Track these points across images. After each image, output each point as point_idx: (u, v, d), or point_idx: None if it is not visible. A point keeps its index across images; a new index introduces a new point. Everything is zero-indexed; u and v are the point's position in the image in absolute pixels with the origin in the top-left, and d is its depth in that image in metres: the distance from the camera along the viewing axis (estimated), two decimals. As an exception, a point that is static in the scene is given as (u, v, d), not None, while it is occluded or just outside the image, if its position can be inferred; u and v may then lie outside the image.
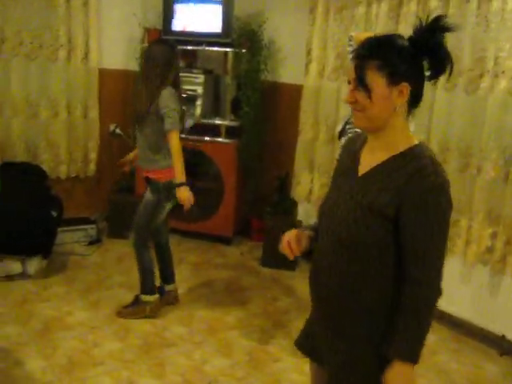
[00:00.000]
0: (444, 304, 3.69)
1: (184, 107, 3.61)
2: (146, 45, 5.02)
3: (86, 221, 5.03)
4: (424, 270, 1.62)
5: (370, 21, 4.17)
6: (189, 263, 4.67)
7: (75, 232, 4.88)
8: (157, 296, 3.76)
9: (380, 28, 4.03)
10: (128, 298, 3.93)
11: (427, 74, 1.64)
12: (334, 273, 1.73)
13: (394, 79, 1.59)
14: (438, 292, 1.64)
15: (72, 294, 3.99)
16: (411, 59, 1.60)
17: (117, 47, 5.14)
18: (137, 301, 3.74)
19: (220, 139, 4.93)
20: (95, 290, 4.07)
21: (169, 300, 3.90)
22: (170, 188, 3.48)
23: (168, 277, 3.91)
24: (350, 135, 2.90)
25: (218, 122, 4.98)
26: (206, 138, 4.93)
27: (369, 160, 1.72)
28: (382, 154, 1.68)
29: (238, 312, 3.91)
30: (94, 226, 4.98)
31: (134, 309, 3.72)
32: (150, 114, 3.40)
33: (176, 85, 3.47)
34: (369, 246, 1.65)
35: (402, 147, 1.66)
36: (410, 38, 1.62)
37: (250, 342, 3.53)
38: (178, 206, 3.61)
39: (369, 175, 1.70)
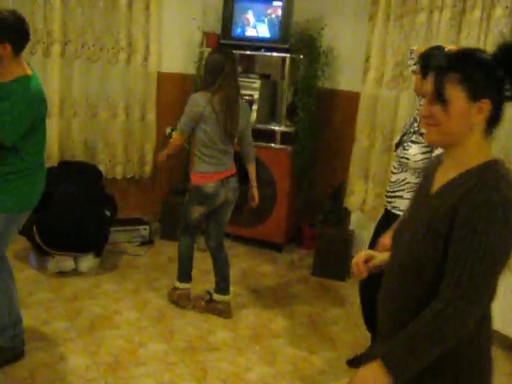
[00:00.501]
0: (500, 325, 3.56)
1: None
2: (204, 49, 5.07)
3: (139, 221, 5.09)
4: (455, 292, 1.43)
5: (430, 29, 4.04)
6: (238, 268, 4.64)
7: (128, 232, 4.95)
8: (186, 286, 3.87)
9: (441, 36, 3.91)
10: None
11: (508, 93, 1.51)
12: (396, 296, 1.63)
13: (474, 94, 1.48)
14: (464, 324, 1.44)
15: (121, 293, 4.03)
16: (494, 76, 1.49)
17: (176, 51, 5.19)
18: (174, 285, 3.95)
19: (275, 145, 4.90)
20: (144, 290, 4.11)
21: (216, 309, 3.84)
22: (195, 192, 3.62)
23: (220, 287, 3.85)
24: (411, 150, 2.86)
25: (273, 127, 4.95)
26: (261, 144, 4.90)
27: (440, 179, 1.61)
28: (453, 172, 1.57)
29: (284, 320, 3.85)
30: (146, 226, 5.03)
31: (170, 291, 3.98)
32: None
33: (226, 93, 3.48)
34: (427, 268, 1.52)
35: (474, 164, 1.53)
36: (494, 54, 1.51)
37: (295, 351, 3.47)
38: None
39: (435, 194, 1.60)
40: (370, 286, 3.14)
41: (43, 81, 4.82)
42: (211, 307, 3.85)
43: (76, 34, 4.84)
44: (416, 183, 2.82)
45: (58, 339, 3.33)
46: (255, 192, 3.85)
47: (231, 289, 3.89)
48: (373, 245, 3.13)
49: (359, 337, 3.66)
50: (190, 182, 3.69)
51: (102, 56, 5.01)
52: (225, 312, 3.83)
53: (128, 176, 5.34)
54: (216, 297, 3.85)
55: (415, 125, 2.93)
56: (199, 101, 3.48)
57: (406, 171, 2.91)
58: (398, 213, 2.91)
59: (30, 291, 3.87)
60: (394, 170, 2.99)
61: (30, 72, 2.74)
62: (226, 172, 3.62)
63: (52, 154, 4.91)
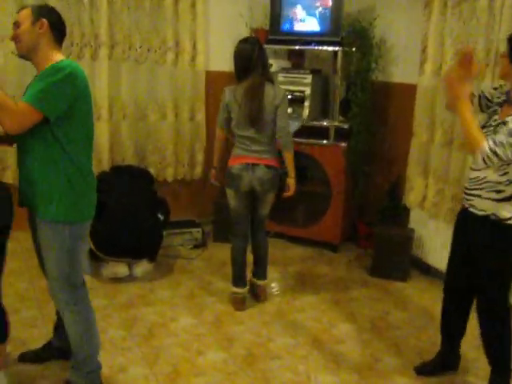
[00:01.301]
0: None
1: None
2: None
3: (191, 224, 5.02)
4: None
5: (493, 14, 3.80)
6: (294, 270, 4.52)
7: (180, 235, 4.88)
8: (240, 290, 3.85)
9: (505, 22, 3.67)
10: (230, 304, 3.88)
11: None
12: None
13: None
14: None
15: (176, 298, 3.95)
16: None
17: (223, 49, 5.07)
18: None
19: (328, 142, 4.73)
20: (199, 295, 4.02)
21: (256, 294, 3.98)
22: (226, 173, 3.73)
23: (258, 271, 3.97)
24: None
25: (326, 123, 4.79)
26: (314, 141, 4.75)
27: None
28: None
29: (345, 324, 3.70)
30: (199, 229, 4.95)
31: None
32: None
33: (250, 82, 3.58)
34: None
35: None
36: None
37: (359, 358, 3.32)
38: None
39: None
40: (459, 295, 3.00)
41: (92, 84, 4.81)
42: (253, 295, 3.98)
43: (123, 35, 4.80)
44: (497, 182, 2.62)
45: (115, 349, 3.27)
46: (291, 182, 3.78)
47: (289, 291, 3.87)
48: (455, 248, 2.96)
49: (425, 342, 3.49)
50: None
51: (150, 57, 4.96)
52: (260, 296, 3.96)
53: (179, 178, 5.28)
54: (254, 280, 3.98)
55: (496, 117, 2.69)
56: (225, 93, 3.67)
57: (488, 168, 2.61)
58: (477, 212, 2.72)
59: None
60: (473, 166, 2.74)
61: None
62: (254, 159, 3.64)
63: (103, 158, 4.89)
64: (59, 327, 2.96)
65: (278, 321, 3.71)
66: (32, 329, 3.44)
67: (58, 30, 2.52)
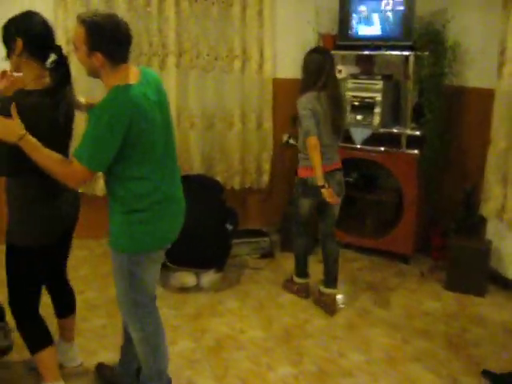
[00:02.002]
0: None
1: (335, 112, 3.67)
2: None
3: (258, 233, 4.96)
4: None
5: None
6: (364, 282, 4.38)
7: (247, 244, 4.82)
8: (305, 281, 4.08)
9: None
10: (301, 316, 3.80)
11: None
12: None
13: None
14: None
15: (244, 310, 3.89)
16: None
17: (290, 56, 5.01)
18: (292, 278, 4.15)
19: (400, 149, 4.56)
20: (267, 307, 3.95)
21: (324, 303, 3.93)
22: (303, 185, 3.73)
23: (326, 279, 3.96)
24: None
25: (397, 130, 4.62)
26: (385, 149, 4.60)
27: None
28: None
29: (419, 341, 3.54)
30: (266, 238, 4.88)
31: (288, 283, 4.19)
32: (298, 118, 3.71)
33: (330, 91, 3.63)
34: None
35: None
36: None
37: (436, 379, 3.15)
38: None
39: None
40: None
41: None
42: (320, 302, 3.96)
43: (190, 44, 4.80)
44: None
45: (184, 361, 3.24)
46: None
47: (359, 302, 3.81)
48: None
49: (508, 361, 3.29)
50: (296, 177, 3.85)
51: (217, 65, 4.94)
52: (329, 305, 3.90)
53: (246, 186, 5.23)
54: (322, 289, 3.96)
55: None
56: (310, 99, 3.60)
57: None
58: None
59: (154, 308, 3.83)
60: None
61: (132, 81, 2.33)
62: (332, 166, 3.71)
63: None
64: (124, 344, 2.97)
65: (349, 336, 3.59)
66: (101, 338, 3.46)
67: (116, 52, 2.30)
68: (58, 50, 2.53)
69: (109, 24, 2.26)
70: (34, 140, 2.30)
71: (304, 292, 4.08)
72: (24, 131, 2.28)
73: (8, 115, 2.30)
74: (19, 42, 2.42)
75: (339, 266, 3.96)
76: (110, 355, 3.24)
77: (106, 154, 2.28)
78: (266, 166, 5.24)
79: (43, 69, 2.52)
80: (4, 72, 2.59)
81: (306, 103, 3.59)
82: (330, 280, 3.94)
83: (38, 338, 2.70)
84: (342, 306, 4.00)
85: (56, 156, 2.34)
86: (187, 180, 4.49)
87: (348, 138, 4.64)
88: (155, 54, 4.78)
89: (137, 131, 2.28)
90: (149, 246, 2.51)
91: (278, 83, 5.13)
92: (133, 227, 2.45)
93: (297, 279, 4.10)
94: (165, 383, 2.77)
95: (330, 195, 3.57)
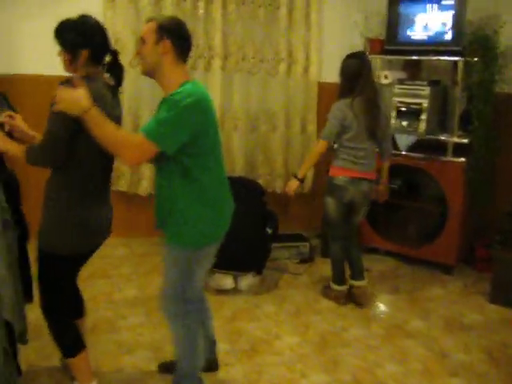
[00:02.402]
0: None
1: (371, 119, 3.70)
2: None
3: (299, 238, 4.93)
4: None
5: None
6: (404, 291, 4.30)
7: (287, 249, 4.80)
8: (342, 288, 4.04)
9: None
10: (338, 324, 3.76)
11: None
12: None
13: None
14: None
15: (281, 315, 3.87)
16: None
17: (336, 59, 4.89)
18: (329, 285, 4.14)
19: (446, 157, 4.46)
20: (304, 313, 3.91)
21: (354, 294, 4.04)
22: (328, 183, 3.82)
23: (354, 273, 4.05)
24: None
25: (444, 138, 4.52)
26: (430, 156, 4.50)
27: None
28: None
29: (459, 355, 3.44)
30: (306, 243, 4.85)
31: (327, 289, 4.17)
32: None
33: (366, 96, 3.65)
34: None
35: None
36: None
37: (475, 394, 3.08)
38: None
39: None
40: None
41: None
42: (351, 295, 4.06)
43: (236, 46, 4.81)
44: None
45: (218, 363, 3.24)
46: (383, 188, 4.02)
47: (398, 311, 3.75)
48: None
49: (552, 381, 3.17)
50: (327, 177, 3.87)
51: (262, 68, 4.94)
52: (358, 297, 4.02)
53: (275, 191, 5.20)
54: (351, 282, 4.06)
55: None
56: (341, 107, 3.66)
57: None
58: None
59: (191, 309, 3.85)
60: None
61: (192, 79, 2.50)
62: (361, 174, 3.75)
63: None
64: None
65: (386, 345, 3.52)
66: (138, 336, 3.49)
67: (182, 47, 2.44)
68: (114, 53, 2.57)
69: (176, 21, 2.47)
70: (99, 114, 2.27)
71: (342, 299, 4.05)
72: (91, 104, 2.24)
73: None
74: (84, 53, 2.42)
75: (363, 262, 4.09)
76: (146, 353, 3.27)
77: (176, 138, 2.32)
78: (310, 170, 5.19)
79: (98, 70, 2.53)
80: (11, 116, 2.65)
81: (336, 110, 3.68)
82: (357, 273, 4.05)
83: (70, 343, 2.70)
84: (382, 315, 3.94)
85: (121, 132, 2.37)
86: (230, 181, 4.52)
87: (393, 144, 4.56)
88: (201, 56, 4.81)
89: (206, 125, 2.43)
90: (209, 241, 2.60)
91: (323, 87, 5.09)
92: (196, 222, 2.51)
93: (334, 286, 4.08)
94: (197, 382, 2.78)
95: (290, 189, 3.81)
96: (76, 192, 2.49)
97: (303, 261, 4.78)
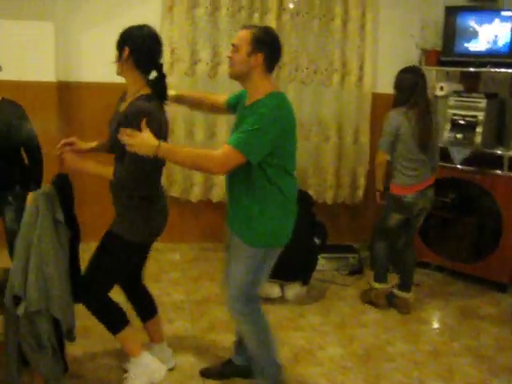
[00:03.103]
0: None
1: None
2: (423, 67, 4.75)
3: (348, 249, 4.89)
4: None
5: None
6: (455, 307, 4.20)
7: (336, 260, 4.77)
8: (383, 286, 4.08)
9: None
10: (383, 337, 3.71)
11: None
12: None
13: None
14: None
15: (326, 326, 3.85)
16: None
17: (391, 70, 4.87)
18: (370, 287, 4.19)
19: (502, 172, 4.34)
20: (349, 325, 3.88)
21: (396, 304, 4.08)
22: (397, 202, 3.86)
23: (401, 283, 4.08)
24: None
25: (500, 152, 4.40)
26: (485, 170, 4.39)
27: None
28: None
29: (508, 376, 3.33)
30: (356, 255, 4.81)
31: (366, 292, 4.22)
32: None
33: (419, 108, 3.72)
34: None
35: None
36: None
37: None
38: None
39: None
40: None
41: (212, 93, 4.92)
42: (393, 304, 4.09)
43: (290, 57, 4.84)
44: None
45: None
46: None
47: (447, 328, 3.73)
48: None
49: None
50: (389, 191, 3.92)
51: (316, 78, 4.95)
52: (402, 307, 4.04)
53: (338, 201, 5.19)
54: (396, 292, 4.08)
55: None
56: (396, 117, 3.76)
57: None
58: None
59: (236, 316, 3.88)
60: None
61: (278, 89, 2.64)
62: (424, 183, 3.83)
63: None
64: (240, 346, 3.04)
65: (432, 362, 3.45)
66: (183, 340, 3.53)
67: (272, 60, 2.56)
68: (159, 67, 2.66)
69: (272, 33, 2.58)
70: (168, 145, 2.45)
71: (381, 299, 4.09)
72: (157, 141, 2.40)
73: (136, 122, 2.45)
74: (126, 50, 2.56)
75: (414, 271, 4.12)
76: (189, 358, 3.31)
77: (261, 149, 2.44)
78: (361, 181, 5.17)
79: (144, 81, 2.64)
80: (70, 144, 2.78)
81: (392, 119, 3.77)
82: (407, 284, 4.06)
83: (115, 320, 2.84)
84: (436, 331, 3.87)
85: (196, 151, 2.52)
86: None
87: (446, 157, 4.49)
88: (255, 66, 4.85)
89: (289, 136, 2.56)
90: (280, 241, 2.72)
91: (377, 98, 5.05)
92: (271, 223, 2.62)
93: (375, 284, 4.10)
94: (278, 368, 2.86)
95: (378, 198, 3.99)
96: (148, 189, 2.69)
97: (352, 272, 4.73)
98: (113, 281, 2.84)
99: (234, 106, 2.84)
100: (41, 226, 2.52)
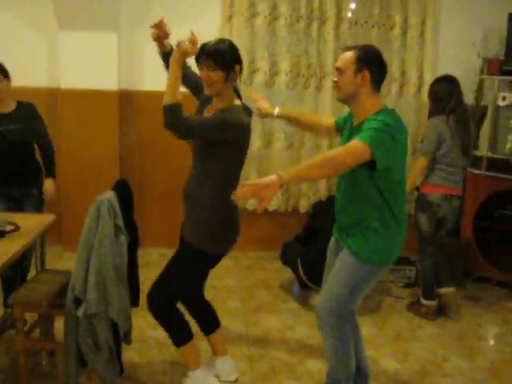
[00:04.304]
0: None
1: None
2: (484, 77, 4.65)
3: (405, 261, 4.80)
4: None
5: None
6: (507, 321, 4.08)
7: (393, 272, 4.69)
8: (432, 303, 4.07)
9: None
10: (439, 353, 3.63)
11: None
12: None
13: None
14: None
15: (380, 338, 3.79)
16: None
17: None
18: (418, 300, 4.19)
19: None
20: (404, 338, 3.81)
21: (444, 304, 4.11)
22: (422, 200, 3.98)
23: (440, 280, 4.10)
24: None
25: None
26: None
27: None
28: None
29: None
30: (412, 267, 4.72)
31: (414, 306, 4.21)
32: None
33: (458, 115, 3.84)
34: None
35: None
36: None
37: None
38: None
39: None
40: None
41: (315, 114, 4.94)
42: (441, 303, 4.11)
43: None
44: None
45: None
46: None
47: (507, 346, 3.62)
48: None
49: None
50: (418, 191, 4.04)
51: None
52: (449, 305, 4.09)
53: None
54: (441, 290, 4.12)
55: None
56: (438, 124, 3.84)
57: None
58: None
59: (289, 325, 3.88)
60: None
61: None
62: (453, 190, 3.92)
63: (320, 187, 4.95)
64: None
65: (490, 380, 3.34)
66: (235, 347, 3.54)
67: (379, 77, 2.53)
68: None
69: (375, 50, 2.59)
70: (290, 170, 2.32)
71: (431, 315, 4.07)
72: (278, 176, 2.25)
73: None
74: (237, 69, 2.66)
75: None
76: (242, 365, 3.32)
77: (385, 150, 2.36)
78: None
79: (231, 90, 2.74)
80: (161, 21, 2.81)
81: (434, 126, 3.85)
82: (442, 279, 4.10)
83: (181, 332, 2.88)
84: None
85: (316, 158, 2.42)
86: (333, 200, 4.51)
87: (505, 169, 4.36)
88: (313, 76, 4.87)
89: (401, 153, 2.51)
90: (388, 260, 2.66)
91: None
92: (381, 241, 2.57)
93: (424, 301, 4.10)
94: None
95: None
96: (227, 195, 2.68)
97: (408, 285, 4.65)
98: (186, 292, 2.91)
99: (341, 127, 2.84)
100: (101, 230, 2.60)
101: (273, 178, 2.23)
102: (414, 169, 3.94)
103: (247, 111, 2.75)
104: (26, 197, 3.63)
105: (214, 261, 2.86)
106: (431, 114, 3.96)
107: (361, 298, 2.73)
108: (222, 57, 2.61)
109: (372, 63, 2.49)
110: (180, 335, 2.88)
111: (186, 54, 2.52)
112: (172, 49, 2.82)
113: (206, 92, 2.69)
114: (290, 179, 2.32)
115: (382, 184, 2.50)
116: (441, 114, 3.85)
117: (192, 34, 2.52)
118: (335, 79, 2.57)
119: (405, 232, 2.67)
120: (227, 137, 2.61)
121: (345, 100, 2.57)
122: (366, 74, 2.46)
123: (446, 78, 4.00)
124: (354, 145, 2.35)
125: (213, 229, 2.74)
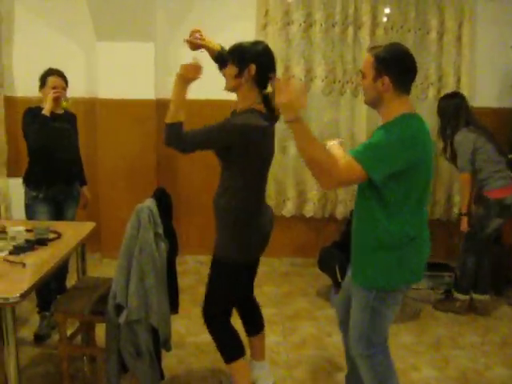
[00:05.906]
0: None
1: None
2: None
3: (443, 267, 4.74)
4: None
5: None
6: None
7: (431, 278, 4.64)
8: (467, 297, 4.21)
9: None
10: (481, 361, 3.56)
11: None
12: None
13: None
14: None
15: (420, 346, 3.74)
16: None
17: (489, 83, 4.77)
18: (448, 295, 4.34)
19: None
20: (445, 346, 3.75)
21: (476, 308, 4.23)
22: (499, 205, 3.98)
23: (477, 285, 4.23)
24: None
25: None
26: None
27: None
28: None
29: None
30: (451, 273, 4.65)
31: (444, 302, 4.32)
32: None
33: (475, 124, 4.03)
34: None
35: None
36: None
37: None
38: None
39: None
40: None
41: (351, 120, 4.93)
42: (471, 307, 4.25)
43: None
44: None
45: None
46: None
47: None
48: None
49: None
50: (484, 200, 4.02)
51: (411, 92, 4.84)
52: (481, 310, 4.22)
53: (434, 218, 5.05)
54: (475, 296, 4.26)
55: None
56: (466, 135, 3.97)
57: None
58: None
59: (328, 332, 3.86)
60: None
61: (413, 111, 2.39)
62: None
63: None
64: (349, 375, 2.91)
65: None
66: (274, 354, 3.55)
67: (403, 79, 2.35)
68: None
69: (396, 52, 2.36)
70: (307, 126, 2.20)
71: (465, 310, 4.22)
72: (300, 115, 2.14)
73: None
74: (252, 67, 2.60)
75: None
76: (280, 372, 3.33)
77: (383, 165, 2.21)
78: (457, 198, 5.01)
79: (257, 97, 2.67)
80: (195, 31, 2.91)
81: (465, 138, 3.97)
82: (482, 287, 4.23)
83: (232, 348, 2.85)
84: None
85: (326, 149, 2.33)
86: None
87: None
88: (348, 82, 4.86)
89: (417, 162, 2.27)
90: (397, 284, 2.43)
91: (475, 112, 4.88)
92: (387, 264, 2.37)
93: (459, 295, 4.24)
94: None
95: (464, 226, 4.13)
96: (253, 204, 2.73)
97: (447, 291, 4.58)
98: (226, 303, 2.85)
99: None
100: (142, 238, 2.63)
101: (297, 112, 2.12)
102: (462, 188, 4.13)
103: (264, 116, 2.64)
104: (67, 197, 3.80)
105: (241, 270, 2.78)
106: (443, 131, 4.11)
107: (388, 324, 2.51)
108: (238, 53, 2.62)
109: (393, 67, 2.30)
110: (231, 351, 2.84)
111: (188, 80, 2.61)
112: (222, 48, 2.88)
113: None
114: (297, 129, 2.15)
115: (391, 196, 2.28)
116: (460, 129, 3.99)
117: (194, 59, 2.58)
118: (361, 82, 2.44)
119: (422, 248, 2.46)
120: (232, 140, 2.56)
121: (370, 104, 2.44)
122: (386, 79, 2.29)
123: (450, 94, 4.21)
124: (344, 165, 2.21)
125: (235, 233, 2.70)
